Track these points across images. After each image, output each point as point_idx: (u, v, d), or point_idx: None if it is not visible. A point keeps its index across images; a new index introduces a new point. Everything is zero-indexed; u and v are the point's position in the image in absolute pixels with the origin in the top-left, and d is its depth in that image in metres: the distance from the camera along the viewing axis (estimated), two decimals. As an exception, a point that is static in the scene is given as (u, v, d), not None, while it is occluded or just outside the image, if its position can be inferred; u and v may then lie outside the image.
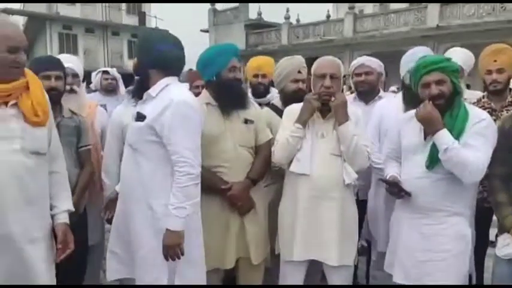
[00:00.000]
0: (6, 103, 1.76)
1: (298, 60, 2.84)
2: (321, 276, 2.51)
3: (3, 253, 1.72)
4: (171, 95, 2.01)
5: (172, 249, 1.96)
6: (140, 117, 2.02)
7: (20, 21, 25.46)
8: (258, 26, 24.55)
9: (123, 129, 2.46)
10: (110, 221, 2.57)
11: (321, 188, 2.25)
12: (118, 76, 4.42)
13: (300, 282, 2.38)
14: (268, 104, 2.95)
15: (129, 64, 25.86)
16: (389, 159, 2.38)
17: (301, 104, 2.35)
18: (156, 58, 2.05)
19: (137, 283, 2.12)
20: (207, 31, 26.30)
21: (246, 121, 2.42)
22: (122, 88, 4.35)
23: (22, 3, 26.47)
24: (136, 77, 2.28)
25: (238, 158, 2.37)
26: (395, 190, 2.15)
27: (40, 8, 25.35)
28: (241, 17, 24.44)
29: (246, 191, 2.37)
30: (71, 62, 2.84)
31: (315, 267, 2.39)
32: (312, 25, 22.32)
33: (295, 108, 2.38)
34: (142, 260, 2.06)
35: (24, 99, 1.79)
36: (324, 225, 2.26)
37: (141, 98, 2.12)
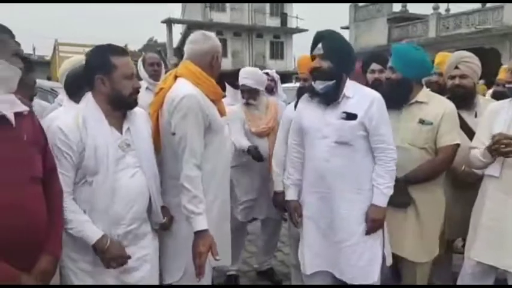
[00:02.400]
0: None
1: (457, 54, 2.76)
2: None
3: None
4: (367, 91, 2.25)
5: (378, 222, 2.19)
6: (351, 116, 2.18)
7: (180, 29, 28.79)
8: (401, 19, 23.40)
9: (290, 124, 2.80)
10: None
11: (510, 190, 2.19)
12: (277, 77, 4.83)
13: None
14: None
15: (270, 64, 27.14)
16: None
17: (501, 102, 2.39)
18: (352, 61, 2.27)
19: (344, 276, 2.24)
20: (347, 28, 26.06)
21: (422, 121, 2.43)
22: (280, 88, 4.76)
23: (182, 14, 29.82)
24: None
25: (405, 155, 2.40)
26: None
27: (196, 17, 28.23)
28: (384, 11, 23.59)
29: (397, 187, 2.36)
30: (246, 78, 3.25)
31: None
32: (465, 14, 20.37)
33: (492, 109, 2.39)
34: (351, 247, 2.21)
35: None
36: (507, 229, 2.18)
37: (333, 100, 2.22)
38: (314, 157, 2.28)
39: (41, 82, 4.56)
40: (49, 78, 10.06)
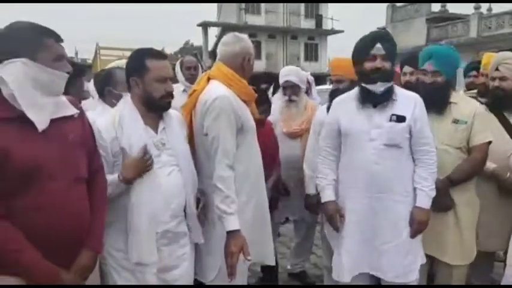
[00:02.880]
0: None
1: (499, 56, 2.71)
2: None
3: None
4: (407, 93, 2.26)
5: (424, 225, 2.19)
6: (400, 119, 2.18)
7: (215, 32, 29.13)
8: (441, 19, 22.75)
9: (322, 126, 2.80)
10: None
11: None
12: (311, 79, 4.81)
13: None
14: None
15: (304, 66, 27.02)
16: None
17: None
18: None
19: (387, 275, 2.21)
20: (383, 28, 25.61)
21: (456, 121, 2.43)
22: (314, 90, 4.74)
23: (217, 16, 30.20)
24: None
25: (445, 157, 2.38)
26: None
27: (231, 19, 28.50)
28: (423, 11, 23.04)
29: (442, 189, 2.34)
30: (289, 75, 3.28)
31: None
32: (508, 14, 19.60)
33: None
34: (397, 247, 2.19)
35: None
36: None
37: (387, 100, 2.20)
38: (360, 160, 2.22)
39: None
40: (91, 81, 10.46)
